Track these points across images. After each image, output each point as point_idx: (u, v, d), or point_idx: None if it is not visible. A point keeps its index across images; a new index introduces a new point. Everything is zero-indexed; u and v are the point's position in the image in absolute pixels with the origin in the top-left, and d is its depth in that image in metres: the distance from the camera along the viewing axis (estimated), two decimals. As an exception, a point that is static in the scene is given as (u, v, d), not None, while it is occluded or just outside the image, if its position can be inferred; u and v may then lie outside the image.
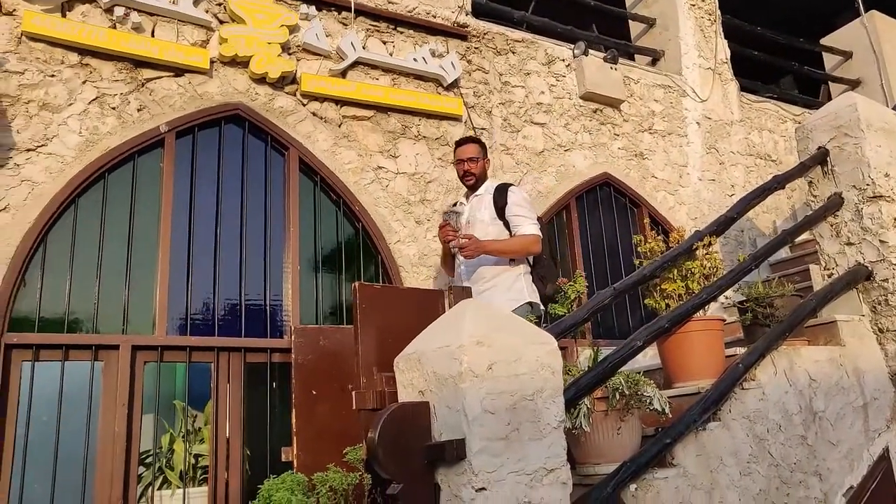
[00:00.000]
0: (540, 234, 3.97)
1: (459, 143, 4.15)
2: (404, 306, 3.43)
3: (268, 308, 4.41)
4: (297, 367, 4.04)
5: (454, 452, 2.52)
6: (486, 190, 4.07)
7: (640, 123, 6.42)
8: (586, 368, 3.43)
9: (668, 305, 3.90)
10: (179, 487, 3.89)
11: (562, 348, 2.94)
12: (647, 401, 3.21)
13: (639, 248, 4.12)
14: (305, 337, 4.14)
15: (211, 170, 4.43)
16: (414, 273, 4.83)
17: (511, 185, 4.13)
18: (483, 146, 4.15)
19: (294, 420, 3.94)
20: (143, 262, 4.09)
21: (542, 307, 3.97)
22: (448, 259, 4.16)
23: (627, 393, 3.18)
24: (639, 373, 3.45)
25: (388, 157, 4.98)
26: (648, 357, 4.23)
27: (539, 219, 4.15)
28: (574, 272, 5.32)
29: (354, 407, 3.12)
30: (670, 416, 3.32)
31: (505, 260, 3.93)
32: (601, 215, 6.02)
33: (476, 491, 2.51)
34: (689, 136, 6.75)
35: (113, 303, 3.95)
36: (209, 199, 4.39)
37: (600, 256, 5.84)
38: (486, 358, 2.64)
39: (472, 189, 4.12)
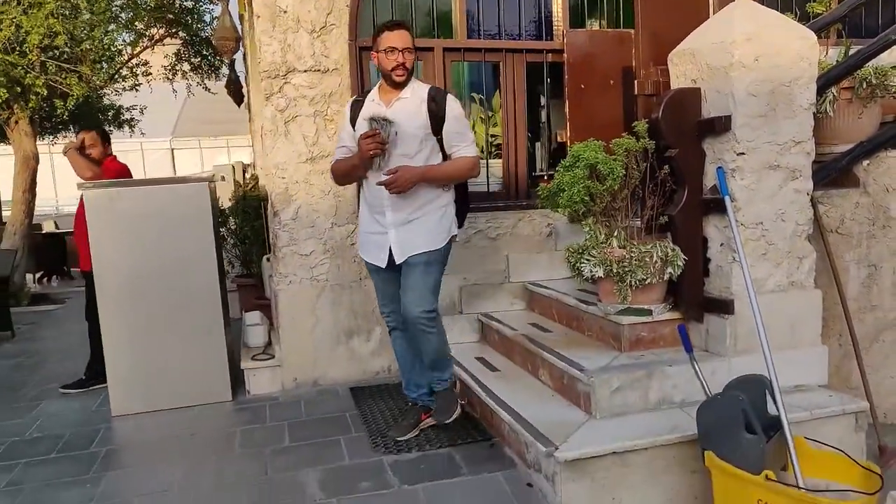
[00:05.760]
0: (480, 154, 3.41)
1: (390, 27, 3.27)
2: (674, 6, 4.00)
3: (542, 14, 5.12)
4: (568, 66, 4.86)
5: (722, 125, 3.30)
6: (415, 93, 3.30)
7: None
8: (834, 63, 3.90)
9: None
10: (482, 158, 5.08)
11: (819, 44, 3.40)
12: (893, 89, 3.69)
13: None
14: (575, 39, 4.89)
15: None
16: (669, -23, 5.18)
17: (447, 92, 3.38)
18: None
19: (567, 108, 4.88)
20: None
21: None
22: (357, 170, 3.35)
23: (875, 82, 3.67)
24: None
25: None
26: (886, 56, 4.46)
27: None
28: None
29: (636, 92, 3.92)
30: (912, 103, 3.78)
31: (437, 185, 3.32)
32: None
33: (737, 154, 3.31)
34: None
35: (425, 11, 4.88)
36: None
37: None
38: (754, 52, 3.26)
39: (397, 87, 3.30)
